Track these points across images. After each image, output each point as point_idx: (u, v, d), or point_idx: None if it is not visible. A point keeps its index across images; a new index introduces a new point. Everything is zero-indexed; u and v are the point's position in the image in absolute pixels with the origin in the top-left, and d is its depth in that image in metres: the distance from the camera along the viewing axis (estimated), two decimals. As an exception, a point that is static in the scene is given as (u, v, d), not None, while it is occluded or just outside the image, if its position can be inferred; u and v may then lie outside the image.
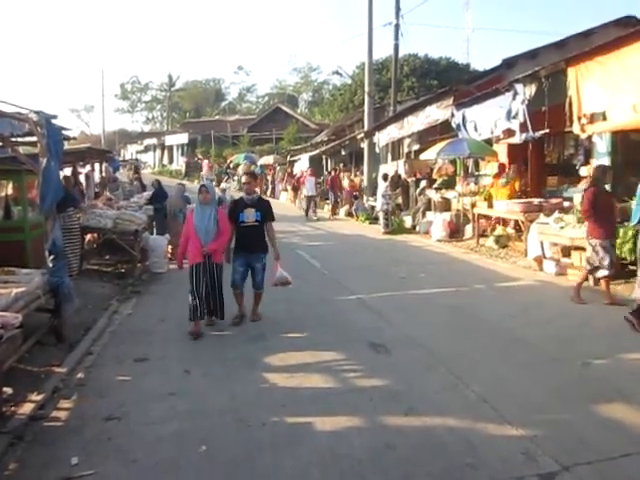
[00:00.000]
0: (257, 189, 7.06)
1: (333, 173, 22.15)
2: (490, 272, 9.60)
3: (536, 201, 11.30)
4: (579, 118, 9.54)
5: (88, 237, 11.27)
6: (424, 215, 15.67)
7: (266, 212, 6.64)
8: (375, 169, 20.87)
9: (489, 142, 13.65)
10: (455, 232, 13.77)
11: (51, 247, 5.94)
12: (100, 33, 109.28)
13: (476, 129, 13.15)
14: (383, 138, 19.63)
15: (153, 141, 50.03)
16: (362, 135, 21.44)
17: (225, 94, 75.16)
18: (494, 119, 12.27)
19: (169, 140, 47.00)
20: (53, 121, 5.98)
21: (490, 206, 12.31)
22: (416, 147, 19.81)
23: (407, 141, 20.18)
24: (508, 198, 11.94)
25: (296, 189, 24.01)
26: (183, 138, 44.03)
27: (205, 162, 35.74)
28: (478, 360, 5.15)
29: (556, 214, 9.78)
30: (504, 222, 12.74)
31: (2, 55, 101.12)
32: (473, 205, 13.26)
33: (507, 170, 12.67)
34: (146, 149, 52.09)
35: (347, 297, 8.00)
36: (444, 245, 12.92)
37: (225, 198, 13.70)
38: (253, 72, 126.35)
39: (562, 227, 9.03)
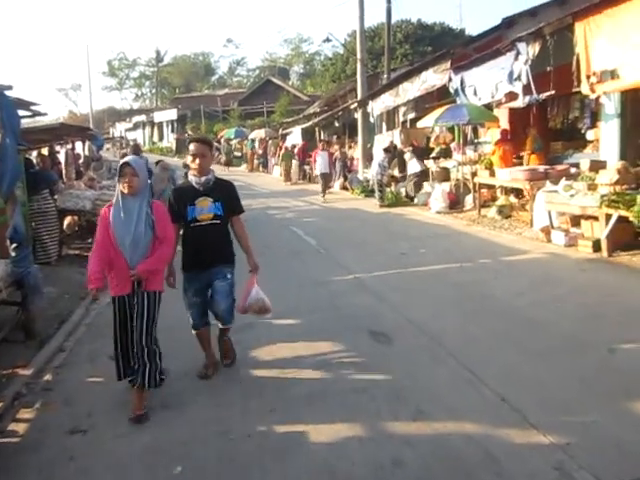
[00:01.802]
0: (212, 167, 4.43)
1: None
2: (495, 245, 9.04)
3: (541, 168, 10.68)
4: (588, 77, 8.88)
5: (68, 220, 10.66)
6: (419, 187, 15.02)
7: (230, 202, 4.35)
8: (370, 139, 20.18)
9: (489, 107, 13.00)
10: (455, 203, 13.18)
11: (12, 234, 5.35)
12: (84, 8, 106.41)
13: (476, 93, 12.46)
14: (377, 107, 18.88)
15: (142, 118, 48.91)
16: (355, 105, 20.66)
17: (215, 68, 73.78)
18: (495, 82, 11.57)
19: (158, 117, 45.90)
20: (8, 93, 5.34)
21: (492, 175, 11.69)
22: (412, 115, 19.11)
23: (402, 109, 19.46)
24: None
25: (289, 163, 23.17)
26: (172, 114, 42.99)
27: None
28: (489, 348, 4.61)
29: (563, 181, 9.18)
30: (506, 191, 12.17)
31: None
32: (474, 174, 12.64)
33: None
34: (135, 127, 50.97)
35: (344, 277, 7.44)
36: (444, 217, 12.34)
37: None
38: (243, 45, 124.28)
39: (572, 195, 8.44)
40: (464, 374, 4.08)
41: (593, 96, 9.10)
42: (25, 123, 9.33)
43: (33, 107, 8.60)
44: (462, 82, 12.91)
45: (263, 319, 4.94)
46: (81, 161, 14.78)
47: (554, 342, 4.63)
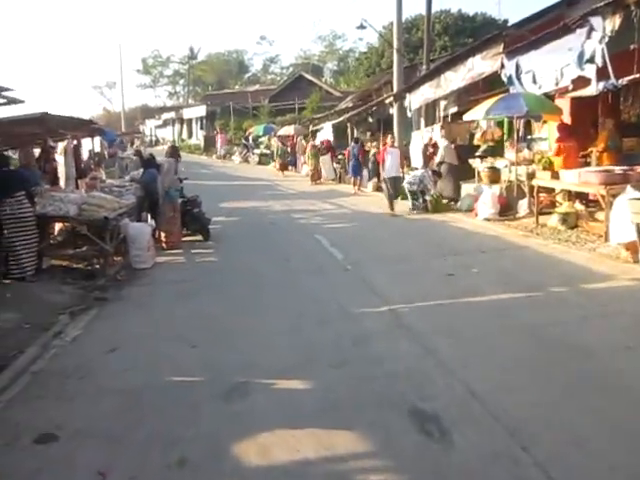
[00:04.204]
0: None
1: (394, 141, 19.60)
2: (566, 265, 7.22)
3: (618, 169, 8.79)
4: (692, 54, 7.00)
5: (59, 226, 9.29)
6: (456, 187, 13.32)
7: None
8: (407, 136, 18.37)
9: (549, 97, 11.10)
10: (506, 209, 11.33)
11: None
12: (119, 6, 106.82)
13: (535, 81, 10.57)
14: (416, 100, 17.05)
15: (171, 115, 47.95)
16: (391, 99, 18.88)
17: (248, 66, 72.75)
18: (560, 66, 9.69)
19: (187, 113, 44.86)
20: None
21: (555, 177, 9.81)
22: (454, 110, 17.22)
23: (443, 103, 17.61)
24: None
25: (317, 160, 21.45)
26: (201, 111, 41.82)
27: (220, 136, 33.14)
28: (616, 466, 2.85)
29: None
30: (569, 196, 10.29)
31: (23, 34, 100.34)
32: (531, 176, 10.77)
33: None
34: (165, 124, 50.06)
35: (376, 309, 5.76)
36: (494, 225, 10.50)
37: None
38: (276, 42, 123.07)
39: (673, 205, 6.56)
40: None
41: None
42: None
43: (5, 93, 7.21)
44: (517, 68, 11.04)
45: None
46: (86, 157, 13.43)
47: None
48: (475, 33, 32.07)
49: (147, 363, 4.63)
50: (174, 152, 12.92)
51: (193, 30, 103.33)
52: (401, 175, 13.45)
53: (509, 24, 34.26)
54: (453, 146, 14.92)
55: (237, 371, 4.30)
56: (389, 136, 14.53)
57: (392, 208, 12.71)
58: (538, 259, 7.68)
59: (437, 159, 14.57)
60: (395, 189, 12.97)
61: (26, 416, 3.82)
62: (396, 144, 14.70)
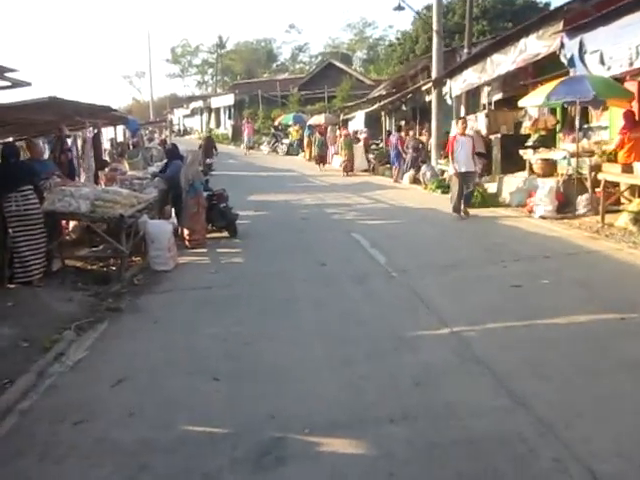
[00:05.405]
0: None
1: (401, 132, 18.65)
2: (655, 276, 6.12)
3: None
4: None
5: (73, 223, 8.50)
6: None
7: None
8: (445, 125, 17.18)
9: (618, 80, 9.86)
10: (564, 205, 10.16)
11: None
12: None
13: (602, 61, 9.34)
14: (457, 86, 15.89)
15: (199, 104, 47.27)
16: (429, 85, 17.70)
17: (277, 55, 71.85)
18: (635, 43, 8.48)
19: (215, 102, 44.06)
20: None
21: (628, 170, 8.63)
22: (498, 96, 16.03)
23: (486, 90, 16.41)
24: None
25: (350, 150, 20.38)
26: (229, 100, 40.97)
27: (246, 125, 32.09)
28: None
29: None
30: (639, 192, 9.13)
31: (53, 25, 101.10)
32: (594, 168, 9.58)
33: None
34: (193, 113, 49.43)
35: (434, 331, 4.77)
36: (553, 225, 9.36)
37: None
38: (305, 30, 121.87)
39: None
40: None
41: None
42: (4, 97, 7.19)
43: (9, 74, 6.36)
44: (581, 47, 9.81)
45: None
46: (107, 147, 12.63)
47: None
48: (515, 17, 30.48)
49: (159, 403, 3.75)
50: (209, 144, 11.84)
51: (222, 19, 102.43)
52: (475, 170, 10.90)
53: (551, 8, 32.64)
54: (499, 135, 13.75)
55: (269, 420, 3.38)
56: (459, 122, 11.28)
57: (459, 210, 10.38)
58: (617, 268, 6.56)
59: None
60: (467, 187, 10.52)
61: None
62: (469, 131, 11.75)
